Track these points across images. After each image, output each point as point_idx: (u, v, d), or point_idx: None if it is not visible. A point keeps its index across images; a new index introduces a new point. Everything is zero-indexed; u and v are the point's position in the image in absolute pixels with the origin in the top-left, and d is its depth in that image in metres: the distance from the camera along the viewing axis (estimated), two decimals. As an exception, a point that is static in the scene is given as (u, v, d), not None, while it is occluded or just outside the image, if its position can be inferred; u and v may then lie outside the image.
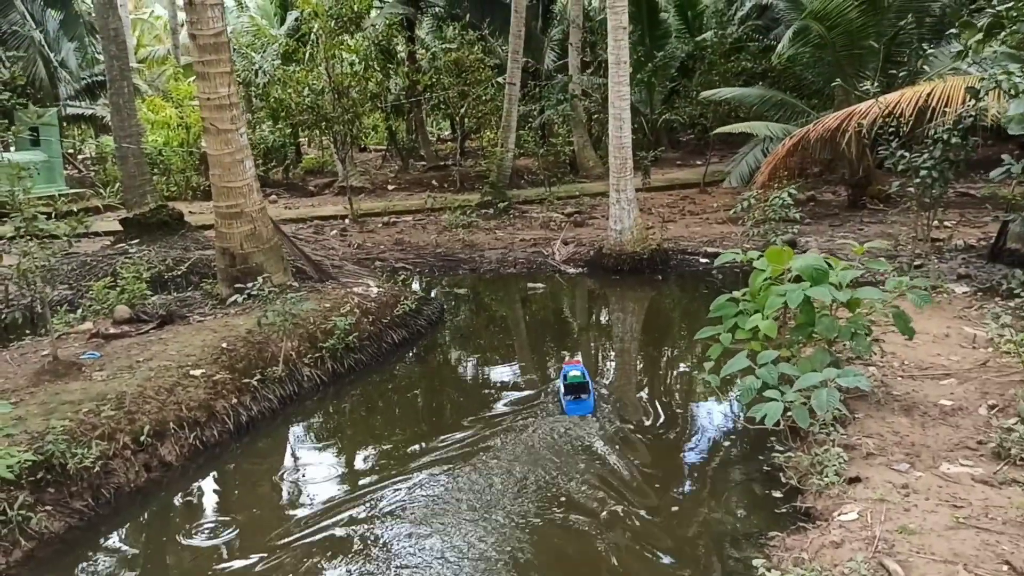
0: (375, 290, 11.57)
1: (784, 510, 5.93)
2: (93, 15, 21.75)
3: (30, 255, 7.83)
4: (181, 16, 32.26)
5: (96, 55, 28.12)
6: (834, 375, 6.25)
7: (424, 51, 27.46)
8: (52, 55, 26.82)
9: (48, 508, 6.11)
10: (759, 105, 19.16)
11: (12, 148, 22.38)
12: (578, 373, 8.49)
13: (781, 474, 6.30)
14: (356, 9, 19.66)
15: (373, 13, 24.14)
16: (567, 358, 9.99)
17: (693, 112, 24.24)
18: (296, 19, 26.15)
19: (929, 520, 5.01)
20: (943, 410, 6.68)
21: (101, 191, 24.72)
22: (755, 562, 4.93)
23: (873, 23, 16.31)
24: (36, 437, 6.43)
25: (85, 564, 5.86)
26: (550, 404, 8.51)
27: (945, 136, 10.05)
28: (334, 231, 18.92)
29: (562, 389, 8.46)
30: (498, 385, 9.47)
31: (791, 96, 19.60)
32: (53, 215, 8.28)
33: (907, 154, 10.49)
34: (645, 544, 5.94)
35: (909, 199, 10.99)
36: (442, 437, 7.82)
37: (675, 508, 6.30)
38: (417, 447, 7.66)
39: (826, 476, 5.75)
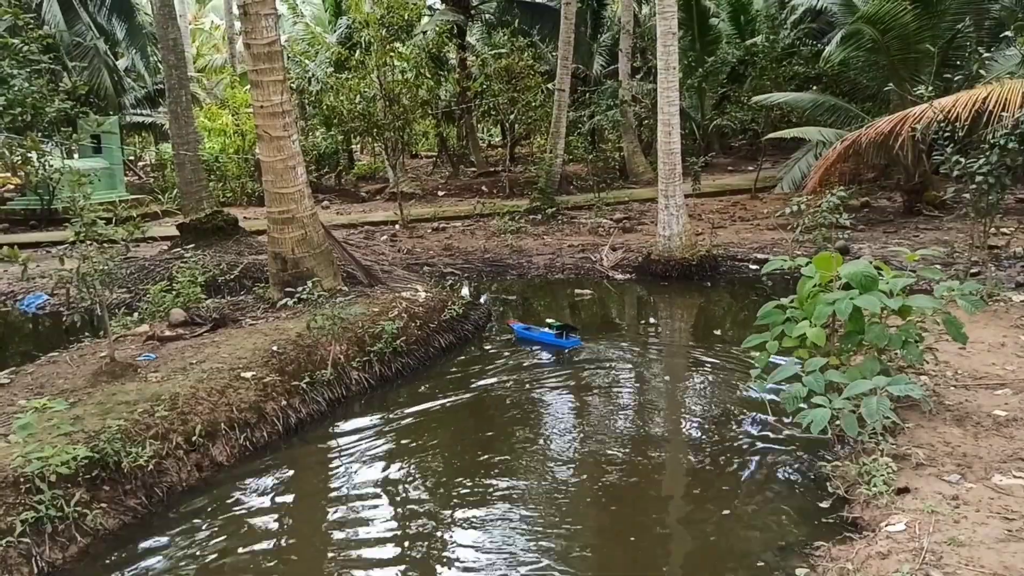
0: (423, 295, 11.67)
1: (830, 520, 5.85)
2: (153, 25, 22.31)
3: (89, 259, 8.07)
4: (238, 25, 32.88)
5: (158, 64, 28.88)
6: (884, 383, 6.12)
7: (474, 58, 27.65)
8: (118, 63, 27.58)
9: (103, 505, 6.28)
10: (812, 110, 18.93)
11: (75, 155, 23.04)
12: (553, 320, 11.05)
13: (828, 483, 6.21)
14: (407, 17, 19.87)
15: (423, 20, 24.38)
16: (510, 319, 12.03)
17: (744, 117, 23.99)
18: (348, 26, 26.51)
19: (979, 532, 4.91)
20: (997, 420, 6.54)
21: (160, 197, 25.38)
22: (799, 571, 4.88)
23: (929, 27, 16.03)
24: (92, 436, 6.62)
25: (138, 562, 5.98)
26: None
27: (1002, 141, 9.83)
28: (384, 236, 19.13)
29: (551, 333, 10.70)
30: (545, 385, 9.47)
31: (844, 101, 19.31)
32: (112, 220, 8.51)
33: (962, 159, 10.28)
34: (688, 549, 5.93)
35: (965, 205, 10.76)
36: (490, 433, 7.89)
37: (724, 512, 6.25)
38: (467, 447, 7.73)
39: (874, 486, 5.65)
